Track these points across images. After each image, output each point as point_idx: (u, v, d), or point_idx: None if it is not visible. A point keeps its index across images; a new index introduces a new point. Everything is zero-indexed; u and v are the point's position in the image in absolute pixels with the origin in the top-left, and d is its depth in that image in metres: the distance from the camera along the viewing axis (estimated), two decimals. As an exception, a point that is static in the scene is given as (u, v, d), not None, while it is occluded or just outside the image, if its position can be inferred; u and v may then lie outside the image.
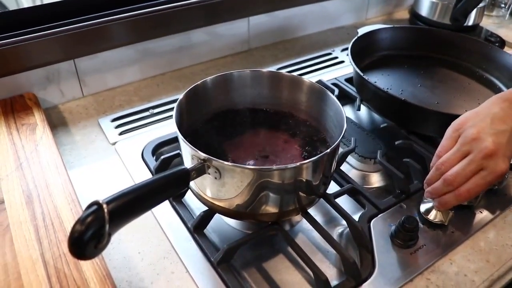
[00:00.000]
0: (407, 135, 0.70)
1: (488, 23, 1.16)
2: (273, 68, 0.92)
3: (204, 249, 0.52)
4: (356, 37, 0.81)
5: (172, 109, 0.60)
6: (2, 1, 0.95)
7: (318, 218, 0.56)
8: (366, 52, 0.84)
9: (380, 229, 0.56)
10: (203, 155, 0.45)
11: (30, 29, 0.70)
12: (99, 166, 0.66)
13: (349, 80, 0.85)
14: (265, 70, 0.62)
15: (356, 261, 0.51)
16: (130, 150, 0.68)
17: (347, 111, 0.80)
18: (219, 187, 0.48)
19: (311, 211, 0.55)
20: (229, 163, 0.46)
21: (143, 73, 0.87)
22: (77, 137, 0.71)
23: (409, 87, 0.80)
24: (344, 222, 0.56)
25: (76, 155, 0.68)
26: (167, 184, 0.44)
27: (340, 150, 0.63)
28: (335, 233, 0.58)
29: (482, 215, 0.60)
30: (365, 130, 0.73)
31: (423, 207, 0.58)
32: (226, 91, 0.62)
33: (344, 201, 0.60)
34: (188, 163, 0.49)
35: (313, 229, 0.54)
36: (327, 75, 0.89)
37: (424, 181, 0.56)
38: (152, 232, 0.56)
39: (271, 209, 0.50)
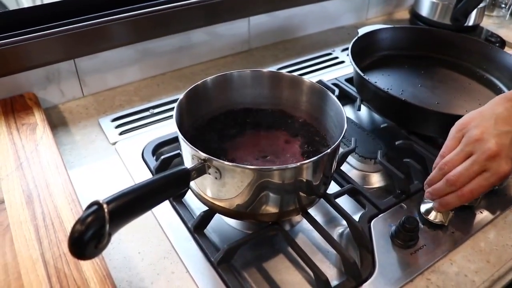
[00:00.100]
0: (407, 135, 0.70)
1: (489, 23, 1.16)
2: (273, 68, 0.92)
3: (204, 249, 0.52)
4: (356, 37, 0.81)
5: (172, 109, 0.60)
6: (2, 1, 0.95)
7: (319, 218, 0.56)
8: (367, 52, 0.84)
9: (380, 229, 0.56)
10: (203, 155, 0.45)
11: (30, 29, 0.70)
12: (99, 166, 0.66)
13: (349, 80, 0.85)
14: (265, 70, 0.62)
15: (357, 261, 0.51)
16: (130, 150, 0.68)
17: (347, 111, 0.80)
18: (220, 187, 0.48)
19: (312, 211, 0.55)
20: (230, 163, 0.46)
21: (143, 73, 0.87)
22: (77, 137, 0.71)
23: (410, 87, 0.79)
24: (344, 222, 0.56)
25: (76, 155, 0.68)
26: (167, 184, 0.44)
27: (341, 150, 0.63)
28: (335, 233, 0.57)
29: (483, 215, 0.60)
30: (365, 130, 0.73)
31: (423, 208, 0.58)
32: (227, 91, 0.62)
33: (345, 201, 0.60)
34: (188, 163, 0.49)
35: (313, 229, 0.54)
36: (328, 75, 0.89)
37: (425, 181, 0.56)
38: (152, 232, 0.56)
39: (271, 209, 0.50)
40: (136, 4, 0.79)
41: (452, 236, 0.56)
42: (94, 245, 0.36)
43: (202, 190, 0.51)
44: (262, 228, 0.53)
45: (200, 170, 0.46)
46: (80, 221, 0.35)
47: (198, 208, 0.59)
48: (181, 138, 0.48)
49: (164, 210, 0.58)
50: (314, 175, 0.49)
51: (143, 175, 0.63)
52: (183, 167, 0.45)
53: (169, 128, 0.72)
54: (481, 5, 1.03)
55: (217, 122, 0.62)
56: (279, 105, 0.64)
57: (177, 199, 0.59)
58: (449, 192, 0.52)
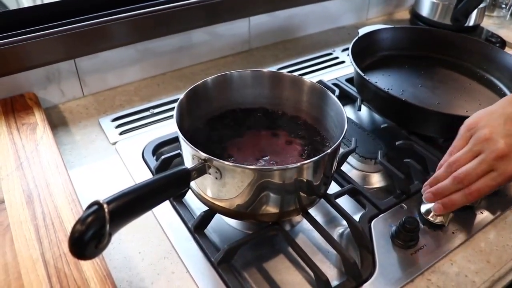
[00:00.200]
0: (407, 135, 0.70)
1: (489, 24, 1.16)
2: (273, 68, 0.92)
3: (204, 249, 0.52)
4: (356, 37, 0.81)
5: (172, 109, 0.60)
6: (3, 0, 0.95)
7: (319, 218, 0.56)
8: (367, 52, 0.84)
9: (380, 230, 0.56)
10: (203, 155, 0.45)
11: (30, 28, 0.70)
12: (100, 166, 0.66)
13: (349, 80, 0.85)
14: (265, 70, 0.62)
15: (357, 261, 0.51)
16: (131, 150, 0.68)
17: (348, 111, 0.80)
18: (220, 187, 0.48)
19: (312, 211, 0.55)
20: (230, 163, 0.46)
21: (143, 73, 0.87)
22: (78, 136, 0.71)
23: (410, 87, 0.79)
24: (344, 223, 0.56)
25: (77, 155, 0.68)
26: (167, 184, 0.44)
27: (341, 150, 0.63)
28: (335, 233, 0.57)
29: (483, 215, 0.60)
30: (365, 131, 0.73)
31: (423, 208, 0.58)
32: (227, 91, 0.62)
33: (345, 202, 0.60)
34: (188, 163, 0.49)
35: (313, 229, 0.54)
36: (328, 75, 0.89)
37: (425, 183, 0.56)
38: (152, 232, 0.56)
39: (271, 209, 0.50)
40: (137, 4, 0.79)
41: (452, 236, 0.56)
42: (95, 245, 0.36)
43: (203, 190, 0.51)
44: (263, 228, 0.53)
45: (200, 170, 0.46)
46: (81, 221, 0.35)
47: (198, 208, 0.59)
48: (181, 138, 0.48)
49: (165, 210, 0.58)
50: (314, 175, 0.49)
51: (143, 175, 0.63)
52: (184, 167, 0.45)
53: (169, 128, 0.72)
54: (482, 5, 1.03)
55: (218, 122, 0.61)
56: (279, 105, 0.64)
57: (178, 199, 0.59)
58: (454, 192, 0.51)
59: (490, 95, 0.79)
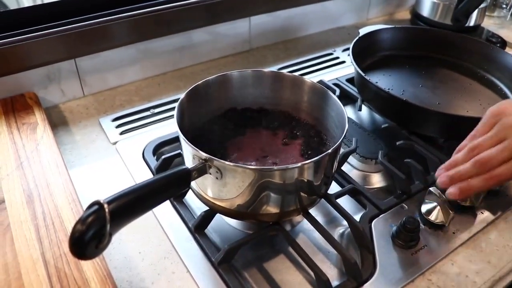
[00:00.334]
0: (408, 135, 0.70)
1: (489, 24, 1.16)
2: (274, 68, 0.92)
3: (205, 249, 0.52)
4: (357, 37, 0.81)
5: (173, 108, 0.60)
6: (3, 0, 0.95)
7: (319, 218, 0.56)
8: (368, 52, 0.84)
9: (381, 230, 0.56)
10: (204, 155, 0.45)
11: (31, 28, 0.70)
12: (100, 166, 0.66)
13: (350, 80, 0.85)
14: (266, 70, 0.62)
15: (357, 261, 0.51)
16: (131, 150, 0.68)
17: (348, 112, 0.80)
18: (220, 187, 0.48)
19: (312, 211, 0.55)
20: (231, 163, 0.46)
21: (144, 72, 0.86)
22: (78, 136, 0.71)
23: (411, 87, 0.79)
24: (345, 223, 0.56)
25: (77, 155, 0.67)
26: (168, 184, 0.44)
27: (341, 150, 0.63)
28: (336, 233, 0.57)
29: (483, 216, 0.60)
30: (366, 131, 0.73)
31: (424, 208, 0.58)
32: (227, 91, 0.62)
33: (345, 202, 0.60)
34: (189, 163, 0.49)
35: (314, 229, 0.54)
36: (328, 75, 0.89)
37: (442, 166, 0.55)
38: (152, 232, 0.56)
39: (272, 209, 0.50)
40: (137, 4, 0.79)
41: (453, 236, 0.56)
42: (95, 245, 0.36)
43: (203, 190, 0.51)
44: (263, 228, 0.53)
45: (201, 170, 0.46)
46: (81, 221, 0.35)
47: (198, 208, 0.59)
48: (182, 138, 0.48)
49: (165, 210, 0.58)
50: (315, 175, 0.49)
51: (144, 175, 0.63)
52: (184, 167, 0.45)
53: (169, 128, 0.72)
54: (482, 5, 1.03)
55: (218, 122, 0.61)
56: (280, 105, 0.64)
57: (178, 199, 0.59)
58: (474, 175, 0.51)
59: (491, 95, 0.79)
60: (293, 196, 0.49)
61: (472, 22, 1.05)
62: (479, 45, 0.85)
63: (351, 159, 0.69)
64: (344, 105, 0.55)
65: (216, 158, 0.45)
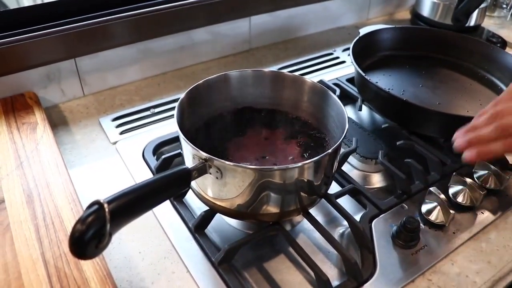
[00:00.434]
0: (408, 135, 0.70)
1: (490, 24, 1.16)
2: (274, 68, 0.92)
3: (205, 249, 0.52)
4: (357, 37, 0.81)
5: (173, 108, 0.60)
6: (3, 0, 0.95)
7: (319, 218, 0.56)
8: (368, 52, 0.84)
9: (381, 230, 0.56)
10: (204, 154, 0.45)
11: (31, 28, 0.70)
12: (100, 166, 0.66)
13: (350, 80, 0.85)
14: (266, 69, 0.62)
15: (358, 261, 0.51)
16: (131, 150, 0.68)
17: (349, 111, 0.80)
18: (220, 187, 0.48)
19: (312, 211, 0.55)
20: (231, 163, 0.46)
21: (144, 72, 0.86)
22: (78, 136, 0.71)
23: (411, 87, 0.79)
24: (345, 223, 0.56)
25: (77, 154, 0.67)
26: (168, 183, 0.44)
27: (342, 150, 0.63)
28: (336, 233, 0.57)
29: (484, 216, 0.60)
30: (366, 131, 0.72)
31: (424, 208, 0.58)
32: (228, 90, 0.62)
33: (345, 202, 0.60)
34: (189, 162, 0.49)
35: (314, 229, 0.54)
36: (329, 75, 0.89)
37: (461, 130, 0.53)
38: (153, 232, 0.56)
39: (272, 209, 0.50)
40: (137, 3, 0.79)
41: (453, 236, 0.56)
42: (95, 245, 0.36)
43: (203, 190, 0.51)
44: (263, 228, 0.53)
45: (201, 169, 0.46)
46: (81, 220, 0.35)
47: (198, 208, 0.59)
48: (182, 137, 0.48)
49: (165, 210, 0.58)
50: (315, 175, 0.49)
51: (144, 175, 0.63)
52: (184, 166, 0.45)
53: (170, 127, 0.72)
54: (482, 5, 1.02)
55: (218, 121, 0.61)
56: (280, 105, 0.64)
57: (178, 199, 0.59)
58: (495, 139, 0.49)
59: (491, 95, 0.79)
60: (293, 196, 0.49)
61: (472, 22, 1.05)
62: (479, 45, 0.85)
63: (351, 159, 0.69)
64: (344, 105, 0.55)
65: (216, 158, 0.45)
